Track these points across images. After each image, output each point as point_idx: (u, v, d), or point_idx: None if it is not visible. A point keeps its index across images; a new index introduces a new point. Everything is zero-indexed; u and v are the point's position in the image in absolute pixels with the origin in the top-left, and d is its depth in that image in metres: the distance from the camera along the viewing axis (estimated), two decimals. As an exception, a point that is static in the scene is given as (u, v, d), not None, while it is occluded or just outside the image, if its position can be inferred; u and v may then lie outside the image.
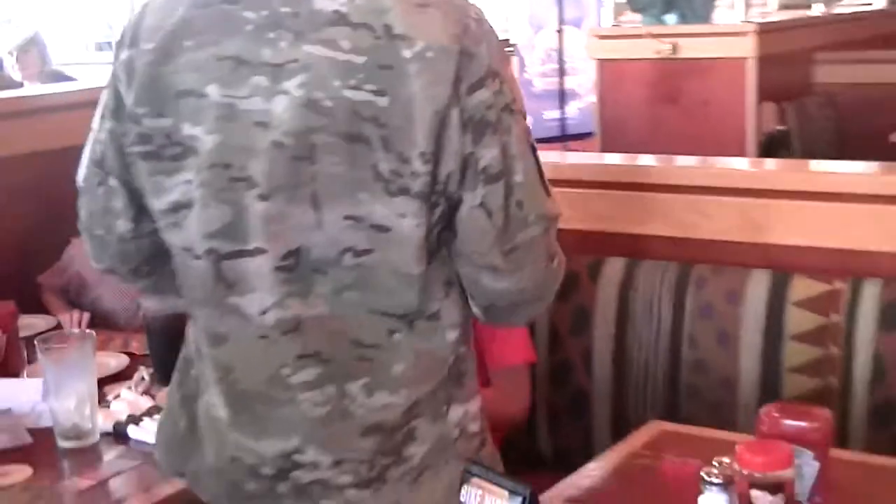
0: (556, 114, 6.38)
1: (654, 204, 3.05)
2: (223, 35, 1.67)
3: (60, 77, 5.50)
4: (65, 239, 3.46)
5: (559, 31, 6.37)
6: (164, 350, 2.65)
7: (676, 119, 6.04)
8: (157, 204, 1.75)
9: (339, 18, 1.63)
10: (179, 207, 1.71)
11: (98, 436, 2.41)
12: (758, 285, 2.79)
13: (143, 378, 2.70)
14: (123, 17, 7.90)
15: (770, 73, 5.99)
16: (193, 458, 1.86)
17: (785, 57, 6.20)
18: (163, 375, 2.67)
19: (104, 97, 1.82)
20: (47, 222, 3.54)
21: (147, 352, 2.77)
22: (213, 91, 1.66)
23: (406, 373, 1.73)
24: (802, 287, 2.74)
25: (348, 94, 1.62)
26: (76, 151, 1.92)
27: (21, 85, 5.39)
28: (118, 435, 2.42)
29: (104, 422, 2.43)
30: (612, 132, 6.26)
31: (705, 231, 2.95)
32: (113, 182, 1.82)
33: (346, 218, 1.65)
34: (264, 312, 1.69)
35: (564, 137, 6.40)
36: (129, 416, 2.45)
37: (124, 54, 1.75)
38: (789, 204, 2.86)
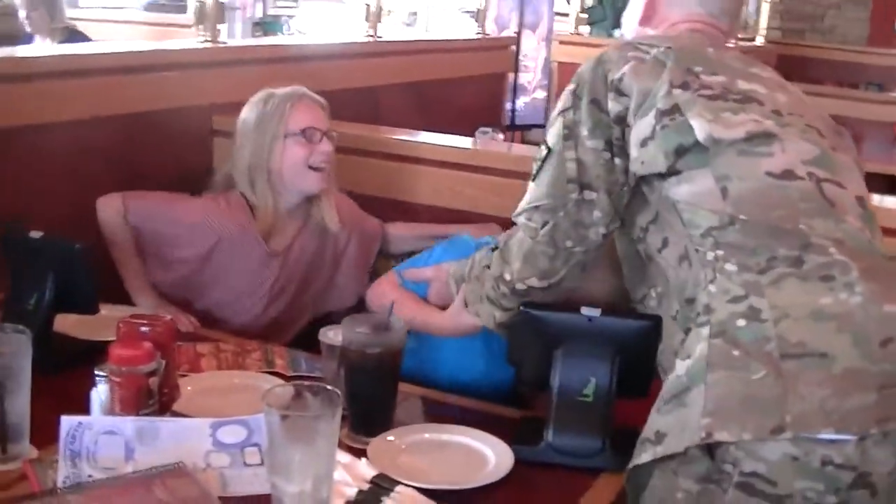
0: (508, 105, 5.45)
1: None
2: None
3: (74, 34, 4.34)
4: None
5: (518, 33, 5.49)
6: (378, 391, 1.65)
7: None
8: (725, 133, 1.52)
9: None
10: (755, 137, 1.53)
11: (330, 523, 1.39)
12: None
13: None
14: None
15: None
16: (792, 399, 1.33)
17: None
18: (367, 423, 1.66)
19: (569, 122, 1.63)
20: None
21: (344, 391, 1.68)
22: (756, 70, 1.66)
23: None
24: None
25: None
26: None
27: (31, 38, 4.20)
28: (354, 522, 1.41)
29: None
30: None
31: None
32: (591, 195, 1.61)
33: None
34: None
35: (514, 127, 5.52)
36: (360, 495, 1.44)
37: (616, 69, 1.61)
38: None
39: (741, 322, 1.39)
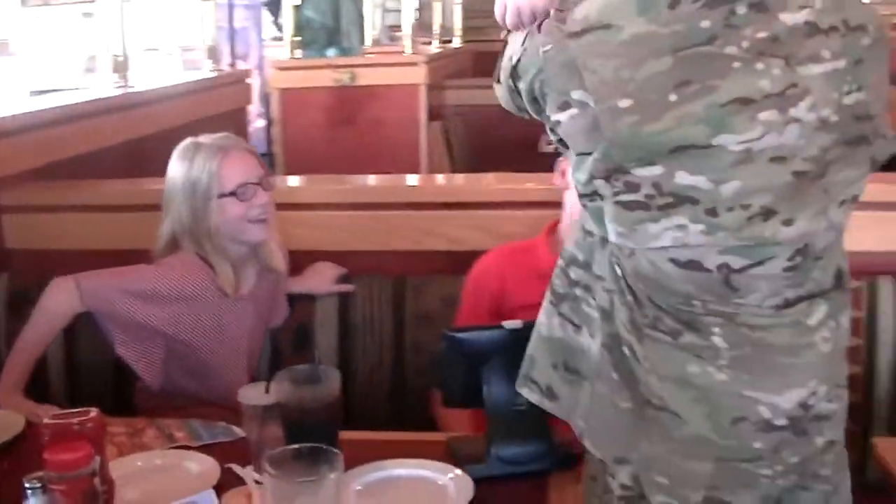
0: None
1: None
2: (714, 79, 1.26)
3: None
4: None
5: (232, 65, 5.45)
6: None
7: (354, 140, 5.39)
8: (638, 244, 1.36)
9: (812, 29, 1.29)
10: (671, 248, 1.33)
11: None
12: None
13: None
14: None
15: (430, 97, 5.47)
16: (643, 441, 1.44)
17: (436, 84, 5.70)
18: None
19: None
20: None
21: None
22: (724, 140, 1.26)
23: None
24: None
25: (846, 101, 1.31)
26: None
27: None
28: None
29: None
30: (293, 153, 5.46)
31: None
32: None
33: (841, 205, 1.36)
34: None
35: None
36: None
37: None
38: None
39: (627, 351, 1.44)
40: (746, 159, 1.27)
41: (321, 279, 2.56)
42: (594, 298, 1.49)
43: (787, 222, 1.30)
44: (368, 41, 6.94)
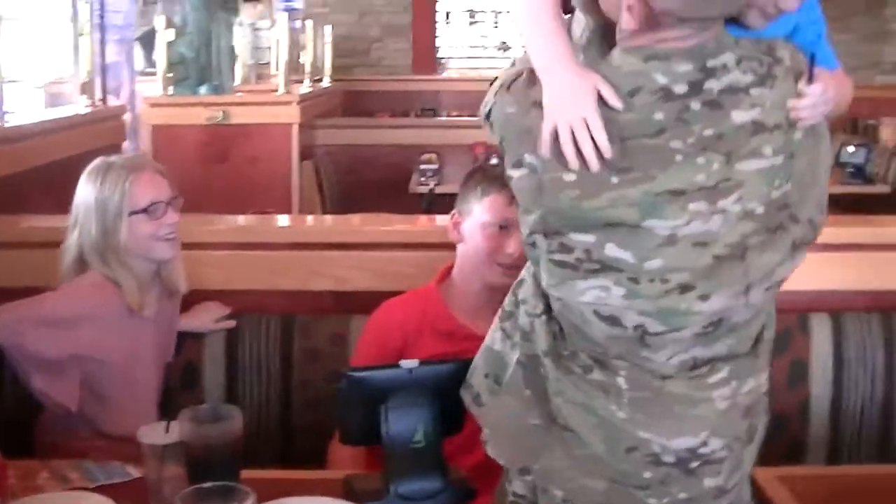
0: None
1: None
2: (654, 169, 1.38)
3: None
4: None
5: (102, 100, 5.35)
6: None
7: (226, 178, 5.38)
8: (567, 296, 1.47)
9: (758, 127, 1.39)
10: (594, 304, 1.44)
11: None
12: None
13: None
14: None
15: (302, 136, 5.51)
16: (546, 454, 1.55)
17: (308, 123, 5.74)
18: None
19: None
20: None
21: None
22: (652, 224, 1.38)
23: None
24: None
25: (774, 194, 1.42)
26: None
27: None
28: None
29: None
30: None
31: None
32: None
33: (767, 290, 1.47)
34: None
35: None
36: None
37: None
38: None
39: (542, 371, 1.55)
40: (671, 242, 1.39)
41: (205, 317, 2.57)
42: (519, 319, 1.59)
43: (704, 297, 1.42)
44: (238, 79, 6.91)
